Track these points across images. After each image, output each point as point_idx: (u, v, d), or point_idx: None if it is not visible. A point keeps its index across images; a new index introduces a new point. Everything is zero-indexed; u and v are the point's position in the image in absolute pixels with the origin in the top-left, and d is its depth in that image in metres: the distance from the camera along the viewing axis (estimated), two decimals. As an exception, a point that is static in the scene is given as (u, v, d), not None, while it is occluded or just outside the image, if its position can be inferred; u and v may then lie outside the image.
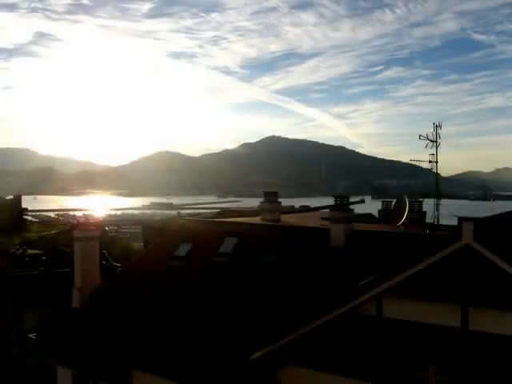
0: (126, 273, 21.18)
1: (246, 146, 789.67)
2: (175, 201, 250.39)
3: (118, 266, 28.07)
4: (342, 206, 17.34)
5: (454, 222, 12.12)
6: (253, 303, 15.81)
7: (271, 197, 22.21)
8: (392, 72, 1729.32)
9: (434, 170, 19.03)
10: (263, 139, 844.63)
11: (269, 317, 14.76)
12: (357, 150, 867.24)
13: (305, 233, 18.33)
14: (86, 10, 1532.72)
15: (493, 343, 10.87)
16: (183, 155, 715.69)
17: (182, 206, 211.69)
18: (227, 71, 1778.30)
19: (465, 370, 11.19)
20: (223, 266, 18.01)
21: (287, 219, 22.09)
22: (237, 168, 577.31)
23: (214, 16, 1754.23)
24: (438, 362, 11.49)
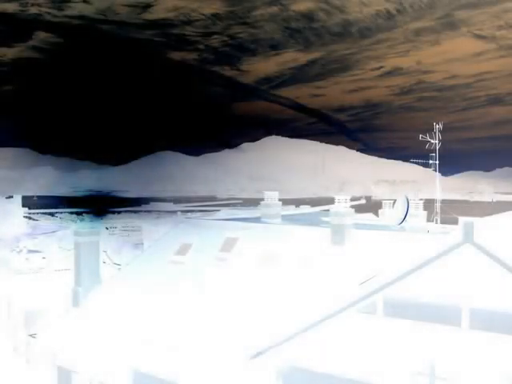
0: (125, 272, 21.13)
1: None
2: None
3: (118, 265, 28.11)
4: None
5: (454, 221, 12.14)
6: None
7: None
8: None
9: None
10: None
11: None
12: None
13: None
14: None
15: (492, 343, 10.88)
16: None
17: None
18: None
19: (465, 369, 11.19)
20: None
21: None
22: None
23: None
24: (438, 361, 11.49)
